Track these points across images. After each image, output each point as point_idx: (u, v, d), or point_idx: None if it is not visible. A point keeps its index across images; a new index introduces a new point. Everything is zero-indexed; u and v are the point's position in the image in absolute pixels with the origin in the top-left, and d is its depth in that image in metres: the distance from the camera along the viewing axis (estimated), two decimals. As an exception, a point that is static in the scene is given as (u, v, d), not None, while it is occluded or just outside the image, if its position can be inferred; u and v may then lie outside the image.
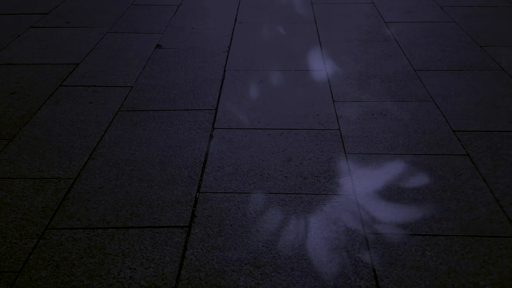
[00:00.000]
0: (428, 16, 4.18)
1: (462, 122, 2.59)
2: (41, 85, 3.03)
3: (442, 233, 1.86)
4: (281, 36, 3.78)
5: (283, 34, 3.83)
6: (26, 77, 3.15)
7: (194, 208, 1.99)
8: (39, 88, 3.00)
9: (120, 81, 3.07)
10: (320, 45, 3.60)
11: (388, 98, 2.85)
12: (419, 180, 2.15)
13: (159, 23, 4.06)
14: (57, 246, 1.80)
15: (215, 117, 2.66)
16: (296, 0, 4.64)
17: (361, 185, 2.12)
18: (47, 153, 2.35)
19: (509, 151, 2.36)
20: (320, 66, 3.27)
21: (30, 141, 2.46)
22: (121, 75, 3.15)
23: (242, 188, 2.10)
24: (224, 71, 3.21)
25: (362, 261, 1.73)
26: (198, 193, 2.07)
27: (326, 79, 3.09)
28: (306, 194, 2.06)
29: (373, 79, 3.08)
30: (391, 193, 2.07)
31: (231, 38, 3.74)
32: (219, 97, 2.87)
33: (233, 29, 3.93)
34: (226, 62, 3.33)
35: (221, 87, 3.00)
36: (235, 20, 4.14)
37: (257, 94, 2.91)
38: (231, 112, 2.71)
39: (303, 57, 3.40)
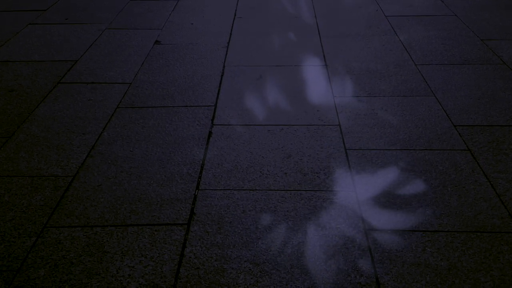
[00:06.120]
0: (429, 9, 4.15)
1: (463, 117, 2.57)
2: (40, 82, 3.02)
3: (443, 229, 1.84)
4: (281, 31, 3.75)
5: (283, 28, 3.80)
6: (24, 74, 3.13)
7: (193, 206, 1.98)
8: (37, 85, 2.99)
9: (119, 78, 3.05)
10: (320, 40, 3.57)
11: (389, 93, 2.83)
12: (420, 176, 2.13)
13: (158, 19, 4.04)
14: (56, 244, 1.79)
15: (214, 113, 2.65)
16: (295, -5, 4.61)
17: (361, 181, 2.10)
18: (46, 151, 2.34)
19: (511, 145, 2.34)
20: (320, 61, 3.25)
21: (28, 138, 2.45)
22: (120, 71, 3.14)
23: (242, 185, 2.09)
24: (223, 67, 3.19)
25: (362, 258, 1.72)
26: (197, 190, 2.06)
27: (326, 74, 3.07)
28: (305, 190, 2.05)
29: (374, 73, 3.06)
30: (391, 189, 2.06)
31: (230, 34, 3.72)
32: (218, 93, 2.86)
33: (232, 24, 3.91)
34: (225, 57, 3.32)
35: (220, 83, 2.98)
36: (234, 15, 4.12)
37: (256, 90, 2.90)
38: (230, 108, 2.70)
39: (303, 52, 3.38)
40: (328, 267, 1.68)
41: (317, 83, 2.96)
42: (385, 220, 1.89)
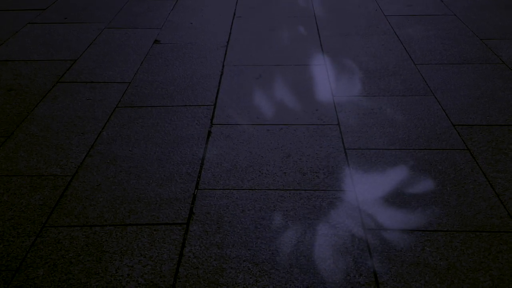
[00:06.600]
0: (429, 9, 4.15)
1: (463, 116, 2.58)
2: (39, 82, 3.02)
3: (442, 228, 1.84)
4: (280, 31, 3.75)
5: (282, 28, 3.80)
6: (23, 73, 3.13)
7: (192, 205, 1.98)
8: (36, 84, 2.99)
9: (118, 77, 3.05)
10: (320, 40, 3.57)
11: (388, 92, 2.83)
12: (419, 175, 2.13)
13: (157, 18, 4.04)
14: (55, 244, 1.79)
15: (213, 113, 2.65)
16: (295, -6, 4.61)
17: (361, 180, 2.10)
18: (45, 150, 2.34)
19: (510, 145, 2.34)
20: (320, 60, 3.25)
21: (27, 138, 2.44)
22: (119, 71, 3.13)
23: (241, 184, 2.09)
24: (223, 66, 3.19)
25: (361, 257, 1.72)
26: (196, 190, 2.06)
27: (326, 73, 3.07)
28: (305, 190, 2.05)
29: (373, 73, 3.06)
30: (391, 189, 2.06)
31: (230, 33, 3.72)
32: (217, 92, 2.86)
33: (232, 24, 3.90)
34: (225, 57, 3.31)
35: (219, 82, 2.98)
36: (234, 14, 4.12)
37: (255, 89, 2.90)
38: (229, 108, 2.70)
39: (303, 52, 3.38)
40: (327, 267, 1.68)
41: (317, 83, 2.96)
42: (384, 220, 1.89)
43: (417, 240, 1.79)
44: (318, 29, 3.76)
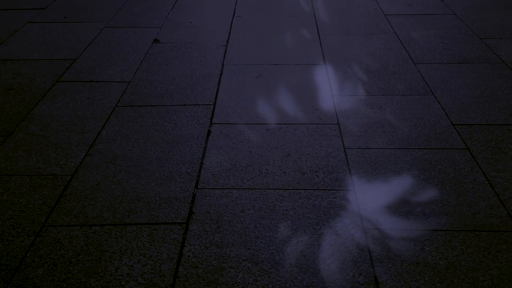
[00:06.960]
0: (428, 8, 4.15)
1: (462, 116, 2.58)
2: (38, 81, 3.01)
3: (442, 228, 1.84)
4: (280, 30, 3.75)
5: (282, 27, 3.80)
6: (23, 73, 3.13)
7: (191, 205, 1.98)
8: (36, 84, 2.98)
9: (118, 76, 3.05)
10: (319, 39, 3.57)
11: (388, 92, 2.83)
12: (418, 175, 2.13)
13: (156, 17, 4.04)
14: (54, 243, 1.79)
15: (213, 112, 2.64)
16: (295, -7, 4.60)
17: (360, 180, 2.10)
18: (44, 150, 2.34)
19: (510, 144, 2.34)
20: (319, 60, 3.25)
21: (27, 137, 2.44)
22: (119, 70, 3.13)
23: (241, 184, 2.09)
24: (222, 65, 3.18)
25: (360, 257, 1.72)
26: (196, 189, 2.06)
27: (325, 73, 3.07)
28: (304, 189, 2.05)
29: (373, 72, 3.06)
30: (390, 188, 2.06)
31: (229, 32, 3.72)
32: (217, 92, 2.86)
33: (231, 23, 3.90)
34: (224, 56, 3.31)
35: (219, 82, 2.98)
36: (233, 13, 4.11)
37: (255, 88, 2.89)
38: (229, 107, 2.70)
39: (302, 51, 3.38)
40: (327, 266, 1.68)
41: (316, 82, 2.96)
42: (383, 219, 1.89)
43: (417, 240, 1.79)
44: (318, 29, 3.76)
